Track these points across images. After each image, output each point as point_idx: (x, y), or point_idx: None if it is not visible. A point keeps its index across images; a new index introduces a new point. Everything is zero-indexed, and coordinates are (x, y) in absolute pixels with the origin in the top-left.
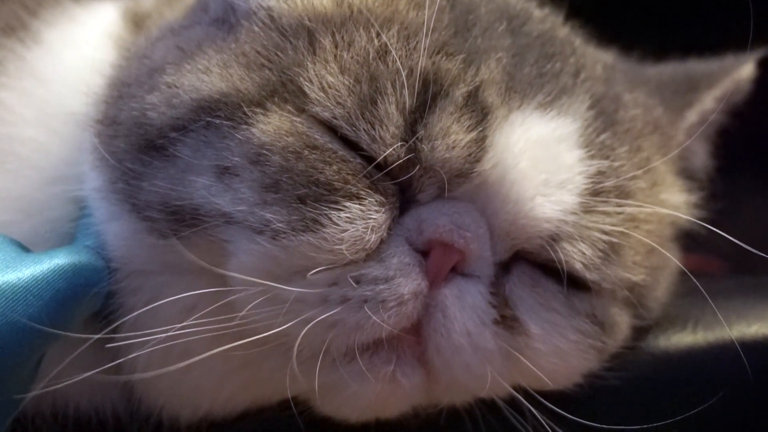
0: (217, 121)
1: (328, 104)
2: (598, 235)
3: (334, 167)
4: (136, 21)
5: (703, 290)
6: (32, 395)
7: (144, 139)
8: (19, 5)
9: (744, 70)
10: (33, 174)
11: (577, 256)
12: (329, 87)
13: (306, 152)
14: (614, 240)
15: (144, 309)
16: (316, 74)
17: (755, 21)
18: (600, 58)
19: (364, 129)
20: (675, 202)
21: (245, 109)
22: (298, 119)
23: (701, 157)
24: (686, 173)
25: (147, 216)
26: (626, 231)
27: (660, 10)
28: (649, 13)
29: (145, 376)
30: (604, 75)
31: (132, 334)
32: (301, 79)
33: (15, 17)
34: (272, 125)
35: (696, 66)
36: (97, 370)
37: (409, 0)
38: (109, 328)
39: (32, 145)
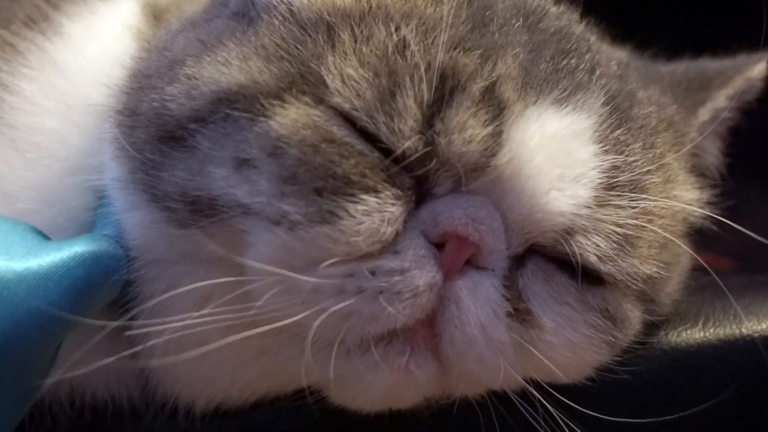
0: (236, 113)
1: (349, 95)
2: (612, 227)
3: (352, 161)
4: (156, 14)
5: (722, 285)
6: (51, 382)
7: (164, 130)
8: None
9: (756, 68)
10: (53, 164)
11: (591, 248)
12: (349, 79)
13: (323, 145)
14: (629, 232)
15: (161, 297)
16: (335, 66)
17: None
18: (615, 56)
19: (383, 121)
20: (687, 198)
21: (263, 101)
22: (316, 111)
23: (713, 155)
24: (698, 170)
25: (166, 206)
26: (640, 224)
27: (674, 9)
28: (662, 11)
29: (161, 363)
30: (619, 72)
31: (149, 321)
32: (322, 69)
33: (37, 9)
34: (289, 118)
35: (709, 64)
36: (114, 358)
37: None
38: (127, 315)
39: (53, 135)
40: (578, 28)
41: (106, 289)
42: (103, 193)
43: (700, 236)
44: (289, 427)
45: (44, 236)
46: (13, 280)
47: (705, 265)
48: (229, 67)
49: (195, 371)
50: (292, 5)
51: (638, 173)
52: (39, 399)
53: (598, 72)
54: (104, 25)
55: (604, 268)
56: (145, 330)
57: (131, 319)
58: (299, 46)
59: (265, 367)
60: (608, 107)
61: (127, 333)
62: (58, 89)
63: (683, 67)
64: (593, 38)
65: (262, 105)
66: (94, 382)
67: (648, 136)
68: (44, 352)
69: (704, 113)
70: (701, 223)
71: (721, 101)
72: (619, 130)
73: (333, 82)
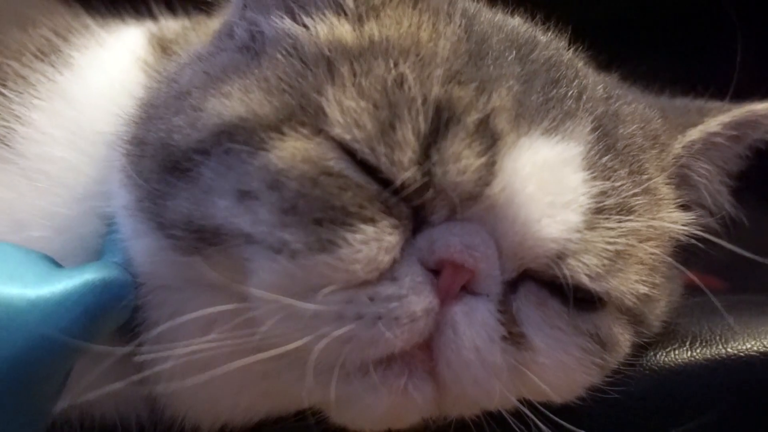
0: (237, 147)
1: (349, 126)
2: (602, 245)
3: (349, 193)
4: (163, 46)
5: (717, 302)
6: (62, 407)
7: (169, 161)
8: (51, 31)
9: (765, 104)
10: (63, 192)
11: (581, 269)
12: (348, 110)
13: (322, 178)
14: (619, 249)
15: (167, 325)
16: (335, 98)
17: None
18: (601, 80)
19: (383, 153)
20: (675, 218)
21: (261, 134)
22: (313, 143)
23: (705, 177)
24: (687, 191)
25: (171, 234)
26: (629, 242)
27: (661, 35)
28: (652, 38)
29: (168, 388)
30: (605, 95)
31: (156, 347)
32: (322, 100)
33: (47, 42)
34: (288, 151)
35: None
36: (122, 383)
37: (431, 33)
38: (135, 341)
39: (62, 164)
40: (566, 55)
41: (115, 315)
42: (112, 220)
43: (688, 255)
44: None
45: (56, 263)
46: (26, 307)
47: (699, 283)
48: (231, 100)
49: (201, 394)
50: (297, 40)
51: (625, 196)
52: (50, 421)
53: (585, 97)
54: (111, 57)
55: (597, 286)
56: (151, 356)
57: (139, 345)
58: (300, 79)
59: (268, 390)
60: (596, 133)
61: (135, 359)
62: (67, 119)
63: (683, 100)
64: (581, 64)
65: (261, 138)
66: (103, 405)
67: (635, 157)
68: (55, 377)
69: (693, 133)
70: (689, 242)
71: (713, 126)
72: (607, 157)
73: (333, 112)
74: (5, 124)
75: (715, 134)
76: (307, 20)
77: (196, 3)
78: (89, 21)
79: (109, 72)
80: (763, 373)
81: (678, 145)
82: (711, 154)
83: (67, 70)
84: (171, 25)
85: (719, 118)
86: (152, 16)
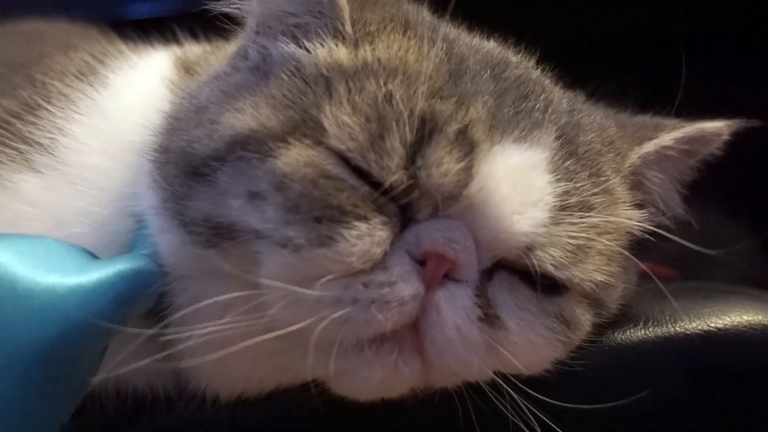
0: (248, 154)
1: (344, 138)
2: (566, 239)
3: (345, 194)
4: (186, 67)
5: (663, 288)
6: (98, 380)
7: (190, 167)
8: (89, 55)
9: (713, 123)
10: (99, 194)
11: (547, 259)
12: (344, 124)
13: (321, 181)
14: (580, 243)
15: (188, 309)
16: (332, 114)
17: None
18: (566, 95)
19: (374, 160)
20: (630, 215)
21: (270, 143)
22: (314, 152)
23: (657, 185)
24: (642, 193)
25: (192, 230)
26: (590, 236)
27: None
28: (617, 64)
29: (190, 363)
30: (569, 108)
31: (179, 328)
32: (321, 116)
33: (86, 65)
34: (292, 157)
35: (665, 119)
36: (149, 359)
37: (417, 55)
38: (161, 323)
39: (98, 170)
40: (535, 73)
41: (143, 300)
42: (141, 218)
43: (642, 248)
44: (298, 412)
45: (93, 255)
46: (66, 293)
47: (649, 272)
48: (243, 114)
49: (219, 368)
50: (299, 62)
51: (585, 195)
52: (89, 391)
53: (550, 109)
54: (142, 77)
55: (561, 274)
56: (175, 336)
57: (165, 326)
58: (302, 97)
59: (276, 365)
60: (560, 141)
61: (161, 338)
62: (103, 131)
63: (642, 116)
64: (547, 81)
65: (270, 147)
66: (135, 378)
67: (594, 161)
68: (92, 353)
69: (649, 146)
70: (642, 236)
71: (667, 140)
72: (570, 161)
73: (330, 126)
74: (50, 136)
75: (668, 147)
76: (308, 45)
77: (216, 29)
78: (122, 46)
79: (140, 90)
80: (703, 349)
81: (635, 156)
82: (664, 164)
83: (104, 89)
84: (194, 49)
85: (673, 134)
86: (177, 42)
